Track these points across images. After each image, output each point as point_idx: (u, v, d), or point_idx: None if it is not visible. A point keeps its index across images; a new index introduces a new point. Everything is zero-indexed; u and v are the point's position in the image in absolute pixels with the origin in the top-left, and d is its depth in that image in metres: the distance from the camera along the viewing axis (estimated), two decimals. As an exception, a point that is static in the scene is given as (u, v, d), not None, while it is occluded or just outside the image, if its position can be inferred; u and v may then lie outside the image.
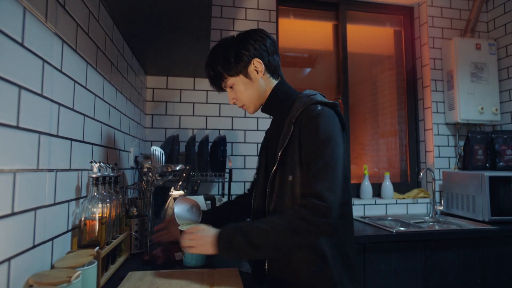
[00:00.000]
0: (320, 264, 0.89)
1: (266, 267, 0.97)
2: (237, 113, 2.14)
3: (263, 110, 1.09)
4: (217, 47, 1.04)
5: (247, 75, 1.02)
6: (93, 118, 1.08)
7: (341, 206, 0.85)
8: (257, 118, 2.16)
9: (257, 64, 1.01)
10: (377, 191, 2.35)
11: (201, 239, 0.90)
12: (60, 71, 0.83)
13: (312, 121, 0.89)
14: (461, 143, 2.37)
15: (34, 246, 0.71)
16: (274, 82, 1.06)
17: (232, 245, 0.85)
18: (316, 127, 0.88)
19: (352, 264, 0.94)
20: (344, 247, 0.93)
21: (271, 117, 1.13)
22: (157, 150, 1.41)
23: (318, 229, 0.81)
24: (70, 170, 0.89)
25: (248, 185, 2.11)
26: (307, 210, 0.82)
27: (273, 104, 1.05)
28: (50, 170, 0.78)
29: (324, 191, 0.82)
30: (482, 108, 2.27)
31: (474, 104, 2.28)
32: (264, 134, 1.17)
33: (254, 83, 1.02)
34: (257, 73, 1.02)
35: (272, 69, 1.04)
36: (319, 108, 0.91)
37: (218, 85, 1.07)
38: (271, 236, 0.84)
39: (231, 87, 1.05)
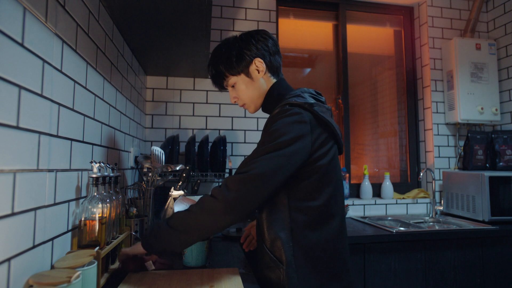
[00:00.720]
0: (279, 269, 0.89)
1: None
2: (237, 113, 2.14)
3: (263, 110, 1.10)
4: (220, 47, 1.06)
5: (248, 75, 1.03)
6: (93, 118, 1.08)
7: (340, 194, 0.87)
8: (257, 118, 2.16)
9: (258, 64, 1.02)
10: (377, 191, 2.35)
11: (135, 244, 0.96)
12: (60, 71, 0.83)
13: (272, 119, 0.91)
14: (461, 143, 2.38)
15: (34, 246, 0.71)
16: (274, 82, 1.06)
17: (155, 234, 0.89)
18: (269, 126, 0.90)
19: (330, 272, 0.90)
20: (313, 252, 0.89)
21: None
22: (157, 150, 1.41)
23: (220, 203, 0.83)
24: (70, 170, 0.89)
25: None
26: (217, 189, 0.86)
27: (268, 103, 1.06)
28: (50, 170, 0.78)
29: (239, 175, 0.85)
30: (482, 108, 2.27)
31: (474, 104, 2.28)
32: None
33: (255, 83, 1.04)
34: (258, 73, 1.03)
35: (273, 69, 1.05)
36: (286, 108, 0.91)
37: (220, 84, 1.09)
38: (187, 218, 0.87)
39: (232, 86, 1.06)
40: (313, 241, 0.89)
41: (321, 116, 0.91)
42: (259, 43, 1.03)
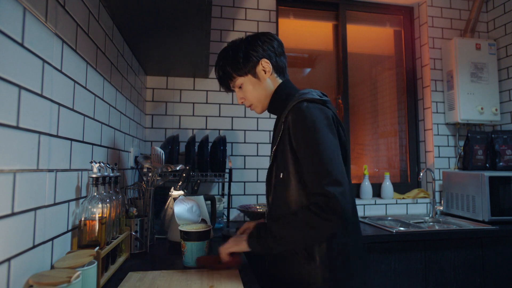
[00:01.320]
0: (305, 263, 0.92)
1: (266, 263, 1.03)
2: (237, 113, 2.14)
3: (268, 110, 1.12)
4: (227, 49, 1.08)
5: (255, 75, 1.06)
6: (93, 118, 1.08)
7: (351, 193, 0.89)
8: (257, 118, 2.16)
9: (264, 65, 1.05)
10: (377, 191, 2.35)
11: (235, 240, 0.99)
12: (60, 71, 0.84)
13: (297, 119, 0.93)
14: (461, 143, 2.37)
15: (34, 246, 0.71)
16: (281, 82, 1.09)
17: (259, 239, 0.91)
18: (302, 125, 0.91)
19: (349, 270, 0.94)
20: (345, 248, 0.93)
21: (274, 117, 1.15)
22: (157, 150, 1.41)
23: (330, 222, 0.84)
24: (70, 170, 0.89)
25: (248, 185, 2.12)
26: (318, 207, 0.84)
27: (275, 103, 1.08)
28: (50, 170, 0.78)
29: (328, 187, 0.84)
30: (482, 108, 2.27)
31: (474, 104, 2.28)
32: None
33: (262, 83, 1.06)
34: (265, 73, 1.05)
35: (279, 70, 1.08)
36: (304, 105, 0.93)
37: (227, 85, 1.12)
38: (290, 229, 0.89)
39: (239, 87, 1.09)
40: (344, 240, 0.94)
41: (333, 110, 0.98)
42: (265, 44, 1.05)
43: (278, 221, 0.91)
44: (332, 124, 0.93)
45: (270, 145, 2.03)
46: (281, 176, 0.97)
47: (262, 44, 1.05)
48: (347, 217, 0.83)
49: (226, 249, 0.98)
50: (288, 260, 0.96)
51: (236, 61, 1.05)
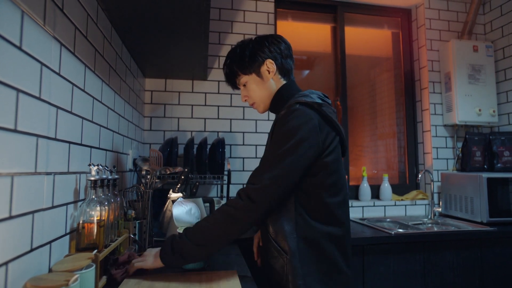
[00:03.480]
0: (283, 258, 0.94)
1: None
2: (235, 115, 2.14)
3: (271, 110, 1.14)
4: (235, 48, 1.12)
5: (259, 74, 1.08)
6: (91, 121, 1.07)
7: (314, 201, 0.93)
8: (256, 120, 2.16)
9: (269, 65, 1.07)
10: (375, 193, 2.35)
11: (147, 255, 0.98)
12: (58, 74, 0.84)
13: (282, 119, 0.94)
14: (459, 144, 2.38)
15: (31, 250, 0.71)
16: (284, 83, 1.11)
17: (174, 249, 0.92)
18: (283, 124, 0.93)
19: (333, 264, 0.95)
20: (317, 244, 0.94)
21: (272, 119, 1.17)
22: (155, 152, 1.41)
23: (242, 211, 0.88)
24: (68, 173, 0.89)
25: (246, 187, 2.12)
26: (237, 196, 0.90)
27: (276, 103, 1.10)
28: (48, 173, 0.78)
29: (262, 177, 0.89)
30: (479, 110, 2.28)
31: (471, 105, 2.29)
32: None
33: (265, 83, 1.09)
34: (269, 73, 1.08)
35: (284, 71, 1.10)
36: (296, 106, 0.95)
37: (232, 82, 1.16)
38: (208, 230, 0.92)
39: (244, 85, 1.12)
40: (317, 234, 0.94)
41: (328, 116, 0.96)
42: (272, 45, 1.08)
43: (196, 225, 0.95)
44: (313, 134, 0.92)
45: (268, 147, 2.03)
46: None
47: (269, 45, 1.08)
48: (260, 207, 0.88)
49: (138, 265, 0.97)
50: (266, 255, 1.00)
51: (242, 60, 1.08)
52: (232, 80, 1.15)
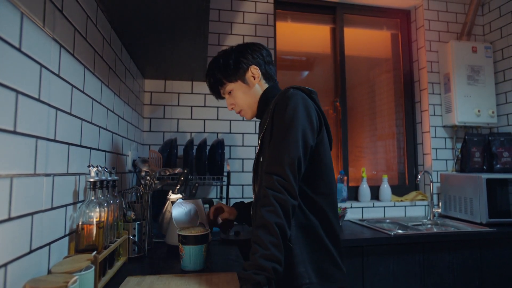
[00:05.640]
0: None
1: None
2: (235, 116, 2.14)
3: (257, 116, 1.15)
4: (217, 57, 1.14)
5: (244, 81, 1.11)
6: (90, 122, 1.07)
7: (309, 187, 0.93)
8: (255, 121, 2.16)
9: (254, 71, 1.10)
10: (375, 194, 2.36)
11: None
12: (58, 75, 0.84)
13: (280, 104, 0.95)
14: (459, 145, 2.38)
15: (31, 251, 0.71)
16: (268, 86, 1.13)
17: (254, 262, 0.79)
18: (284, 107, 0.93)
19: (325, 251, 0.95)
20: (310, 232, 0.94)
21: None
22: (155, 153, 1.41)
23: (283, 203, 0.84)
24: (67, 174, 0.89)
25: (246, 188, 2.11)
26: (272, 192, 0.85)
27: (262, 104, 1.11)
28: (47, 175, 0.78)
29: (286, 167, 0.87)
30: (479, 111, 2.29)
31: (471, 106, 2.30)
32: None
33: (251, 89, 1.11)
34: (254, 79, 1.10)
35: (268, 77, 1.13)
36: (291, 91, 0.96)
37: (217, 92, 1.17)
38: (266, 236, 0.81)
39: (229, 93, 1.13)
40: (310, 222, 0.95)
41: (318, 103, 0.99)
42: (255, 52, 1.11)
43: (256, 242, 0.81)
44: (310, 113, 0.94)
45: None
46: (261, 160, 1.00)
47: (251, 52, 1.11)
48: (294, 195, 0.86)
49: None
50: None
51: (226, 68, 1.10)
52: (216, 89, 1.16)
